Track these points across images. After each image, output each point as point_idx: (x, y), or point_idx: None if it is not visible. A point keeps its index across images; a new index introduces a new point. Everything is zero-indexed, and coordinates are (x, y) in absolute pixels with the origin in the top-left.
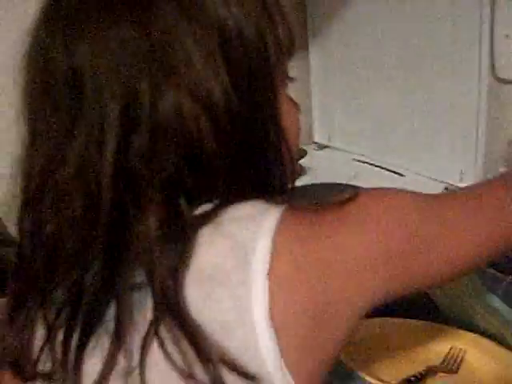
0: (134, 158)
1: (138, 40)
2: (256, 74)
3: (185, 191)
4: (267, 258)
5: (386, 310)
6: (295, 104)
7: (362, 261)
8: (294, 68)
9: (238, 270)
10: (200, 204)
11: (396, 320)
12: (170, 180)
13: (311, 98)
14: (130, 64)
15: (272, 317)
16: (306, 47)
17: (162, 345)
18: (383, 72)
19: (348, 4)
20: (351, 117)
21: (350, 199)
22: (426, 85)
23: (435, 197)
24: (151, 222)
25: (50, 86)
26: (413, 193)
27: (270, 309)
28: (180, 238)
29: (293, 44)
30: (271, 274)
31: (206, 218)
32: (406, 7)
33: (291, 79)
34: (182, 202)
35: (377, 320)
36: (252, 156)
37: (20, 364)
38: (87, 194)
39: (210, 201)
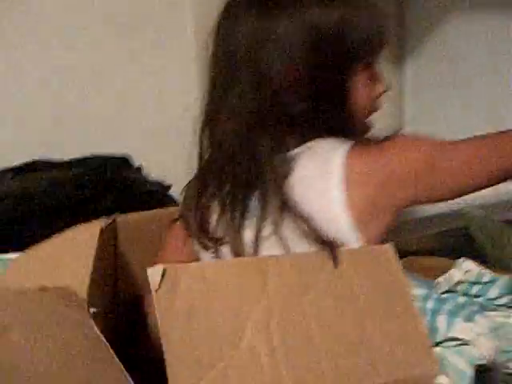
0: (265, 108)
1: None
2: (333, 61)
3: (290, 132)
4: (341, 169)
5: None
6: (378, 84)
7: (401, 171)
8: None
9: (323, 177)
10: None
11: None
12: (281, 124)
13: (403, 105)
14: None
15: (347, 205)
16: (402, 59)
17: (287, 218)
18: (468, 89)
19: (442, 26)
20: (438, 125)
21: (390, 137)
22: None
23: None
24: (267, 148)
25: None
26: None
27: (345, 199)
28: (288, 161)
29: (379, 45)
30: (344, 179)
31: (305, 148)
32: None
33: (373, 66)
34: (289, 139)
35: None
36: (330, 115)
37: (202, 231)
38: (237, 126)
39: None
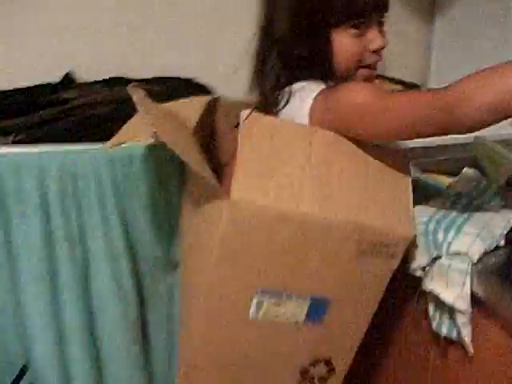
0: (268, 52)
1: None
2: (317, 18)
3: (287, 72)
4: (308, 109)
5: None
6: (370, 41)
7: (344, 110)
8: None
9: (299, 112)
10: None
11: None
12: (280, 67)
13: (431, 59)
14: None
15: (310, 120)
16: (432, 16)
17: None
18: (492, 46)
19: None
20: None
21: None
22: None
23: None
24: (270, 82)
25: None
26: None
27: (310, 117)
28: (284, 91)
29: (352, 10)
30: (309, 117)
31: (294, 87)
32: None
33: (352, 25)
34: (285, 77)
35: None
36: (317, 62)
37: None
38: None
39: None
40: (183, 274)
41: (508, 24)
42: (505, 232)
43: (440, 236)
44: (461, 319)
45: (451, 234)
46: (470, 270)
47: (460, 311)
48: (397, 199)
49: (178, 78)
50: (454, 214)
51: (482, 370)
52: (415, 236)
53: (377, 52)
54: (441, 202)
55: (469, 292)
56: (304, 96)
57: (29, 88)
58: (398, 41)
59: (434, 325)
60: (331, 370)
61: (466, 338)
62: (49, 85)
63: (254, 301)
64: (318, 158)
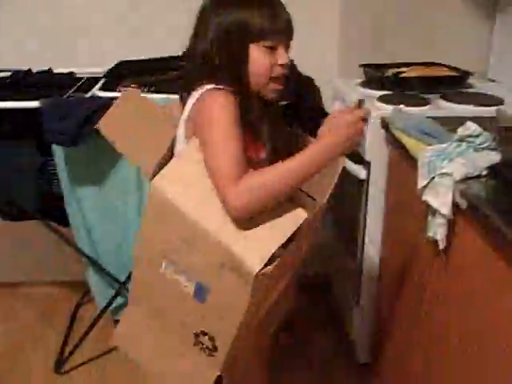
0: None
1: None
2: (234, 39)
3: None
4: (199, 95)
5: None
6: (276, 57)
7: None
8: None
9: (193, 96)
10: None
11: None
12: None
13: (492, 48)
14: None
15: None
16: (493, 20)
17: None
18: None
19: None
20: None
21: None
22: None
23: None
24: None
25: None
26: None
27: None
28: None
29: (267, 31)
30: (197, 100)
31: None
32: None
33: (266, 43)
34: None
35: None
36: (230, 71)
37: None
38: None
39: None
40: None
41: None
42: (486, 166)
43: (438, 163)
44: (440, 221)
45: (445, 162)
46: (452, 186)
47: (442, 214)
48: (267, 242)
49: None
50: (452, 151)
51: (457, 262)
52: (259, 274)
53: (283, 66)
54: (447, 144)
55: (450, 201)
56: (199, 91)
57: (160, 58)
58: (461, 32)
59: (427, 229)
60: (214, 347)
61: (439, 235)
62: (174, 56)
63: (164, 263)
64: None
